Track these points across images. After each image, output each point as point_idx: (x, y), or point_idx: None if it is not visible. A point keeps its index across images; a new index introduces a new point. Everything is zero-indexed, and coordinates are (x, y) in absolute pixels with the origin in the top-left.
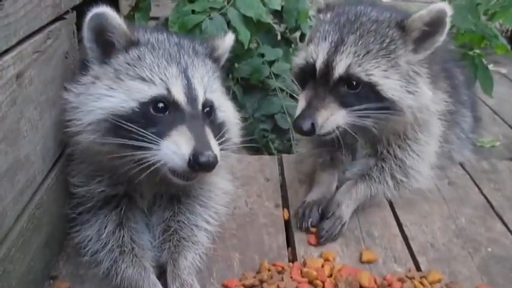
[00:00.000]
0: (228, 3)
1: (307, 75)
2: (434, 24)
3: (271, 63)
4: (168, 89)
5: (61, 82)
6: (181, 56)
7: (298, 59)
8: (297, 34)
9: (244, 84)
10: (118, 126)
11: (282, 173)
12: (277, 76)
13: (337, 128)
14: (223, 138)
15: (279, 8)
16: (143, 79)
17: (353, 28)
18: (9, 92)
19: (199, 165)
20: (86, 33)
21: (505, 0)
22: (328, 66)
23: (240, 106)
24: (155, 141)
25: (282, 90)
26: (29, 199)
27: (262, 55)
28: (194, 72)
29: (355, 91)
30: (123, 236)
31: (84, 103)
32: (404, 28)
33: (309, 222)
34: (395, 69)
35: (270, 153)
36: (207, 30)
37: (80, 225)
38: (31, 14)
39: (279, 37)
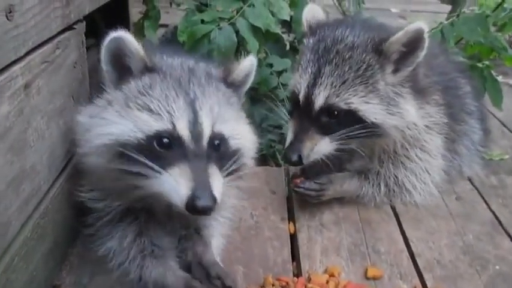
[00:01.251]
0: (237, 13)
1: (295, 103)
2: (413, 43)
3: (279, 73)
4: (173, 124)
5: (69, 92)
6: (192, 84)
7: (291, 84)
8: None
9: (253, 94)
10: (124, 153)
11: (288, 186)
12: (285, 86)
13: (325, 155)
14: (236, 166)
15: (288, 18)
16: (151, 110)
17: (329, 58)
18: (17, 102)
19: (197, 210)
20: (103, 56)
21: None
22: (309, 99)
23: (247, 116)
24: (157, 173)
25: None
26: (33, 208)
27: (271, 65)
28: (203, 103)
29: (337, 119)
30: (144, 241)
31: (95, 126)
32: (382, 52)
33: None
34: (375, 94)
35: (277, 164)
36: (215, 40)
37: (102, 238)
38: (41, 25)
39: (287, 47)
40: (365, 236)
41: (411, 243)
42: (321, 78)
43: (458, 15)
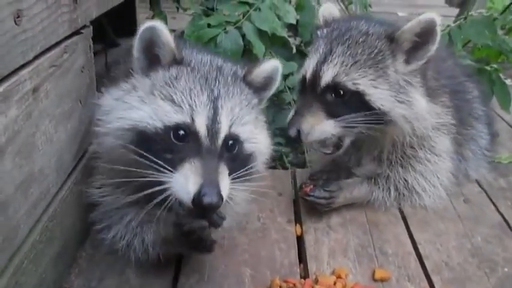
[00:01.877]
0: (243, 17)
1: (302, 86)
2: (425, 34)
3: (285, 76)
4: (192, 118)
5: (77, 96)
6: (218, 82)
7: (298, 74)
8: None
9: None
10: (141, 140)
11: (295, 188)
12: (291, 89)
13: (329, 137)
14: (248, 170)
15: (294, 22)
16: (173, 101)
17: (342, 40)
18: (25, 106)
19: (202, 206)
20: (136, 43)
21: None
22: (316, 75)
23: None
24: (169, 171)
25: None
26: (42, 211)
27: None
28: (225, 102)
29: (342, 99)
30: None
31: (117, 108)
32: (393, 39)
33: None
34: (384, 79)
35: (284, 167)
36: (222, 44)
37: (109, 224)
38: (48, 29)
39: (294, 50)
40: (372, 238)
41: (419, 246)
42: (332, 55)
43: (465, 18)
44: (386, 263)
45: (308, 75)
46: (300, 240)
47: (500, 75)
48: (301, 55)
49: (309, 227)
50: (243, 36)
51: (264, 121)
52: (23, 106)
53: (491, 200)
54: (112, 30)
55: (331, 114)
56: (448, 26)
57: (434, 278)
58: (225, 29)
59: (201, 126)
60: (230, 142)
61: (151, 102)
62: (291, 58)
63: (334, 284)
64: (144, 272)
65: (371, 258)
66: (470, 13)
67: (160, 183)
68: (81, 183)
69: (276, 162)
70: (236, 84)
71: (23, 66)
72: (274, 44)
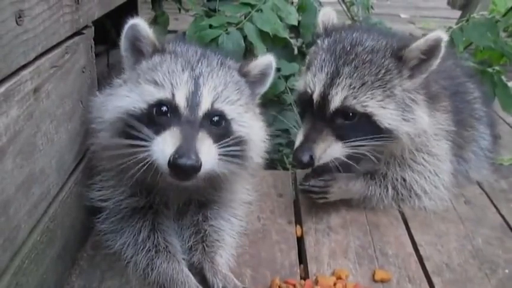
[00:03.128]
0: (245, 18)
1: (306, 105)
2: (431, 51)
3: (287, 77)
4: (173, 93)
5: (78, 96)
6: (200, 64)
7: (299, 85)
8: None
9: (260, 99)
10: (130, 126)
11: (295, 189)
12: (292, 91)
13: (335, 159)
14: (239, 153)
15: (296, 23)
16: (156, 83)
17: (348, 59)
18: (26, 106)
19: (178, 168)
20: (122, 43)
21: None
22: (325, 98)
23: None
24: (149, 138)
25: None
26: (43, 212)
27: (279, 69)
28: (208, 80)
29: (352, 122)
30: (158, 237)
31: (109, 102)
32: (401, 58)
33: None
34: (391, 99)
35: (284, 168)
36: (223, 45)
37: (114, 234)
38: (50, 30)
39: (295, 52)
40: (373, 239)
41: (420, 247)
42: (339, 78)
43: (467, 20)
44: (387, 264)
45: (315, 97)
46: (300, 241)
47: (502, 77)
48: (303, 56)
49: (310, 228)
50: (245, 37)
51: (259, 114)
52: (24, 106)
53: (492, 201)
54: (114, 31)
55: (340, 137)
56: (450, 28)
57: (434, 279)
58: (226, 30)
59: (180, 99)
60: (215, 118)
61: (137, 88)
62: (292, 59)
63: (334, 285)
64: None
65: (371, 259)
66: (472, 15)
67: (142, 148)
68: (82, 185)
69: (277, 163)
70: (223, 69)
71: (24, 67)
72: (276, 45)
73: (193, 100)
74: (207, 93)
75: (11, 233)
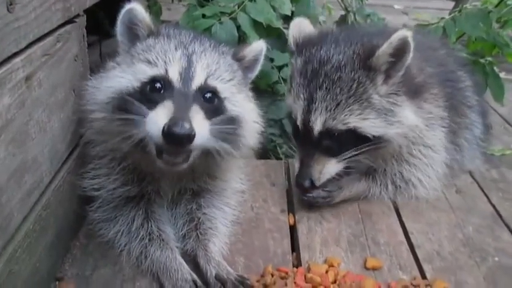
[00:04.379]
0: (238, 8)
1: (295, 128)
2: (399, 51)
3: (280, 68)
4: (166, 70)
5: (70, 85)
6: (193, 44)
7: (287, 102)
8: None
9: (253, 89)
10: (123, 104)
11: (288, 178)
12: (286, 81)
13: (336, 174)
14: (232, 132)
15: (289, 13)
16: (149, 62)
17: (319, 82)
18: (18, 95)
19: (172, 136)
20: (118, 27)
21: None
22: (307, 125)
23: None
24: (143, 113)
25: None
26: (36, 200)
27: (272, 60)
28: (201, 58)
29: (338, 139)
30: (151, 225)
31: (102, 83)
32: (370, 67)
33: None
34: (370, 109)
35: (278, 158)
36: (216, 35)
37: (108, 222)
38: (41, 18)
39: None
40: (365, 227)
41: (411, 235)
42: (315, 104)
43: (460, 11)
44: (379, 252)
45: (299, 125)
46: (292, 229)
47: (495, 68)
48: None
49: (302, 216)
50: (238, 27)
51: (252, 97)
52: (16, 94)
53: (483, 191)
54: (107, 21)
55: (332, 154)
56: (443, 18)
57: (425, 267)
58: (220, 19)
59: (174, 74)
60: (208, 94)
61: (130, 69)
62: (285, 49)
63: (326, 272)
64: None
65: (363, 247)
66: (465, 6)
67: (137, 123)
68: (75, 174)
69: (270, 152)
70: (216, 50)
71: (15, 54)
72: (269, 35)
73: (187, 74)
74: (200, 70)
75: (3, 222)
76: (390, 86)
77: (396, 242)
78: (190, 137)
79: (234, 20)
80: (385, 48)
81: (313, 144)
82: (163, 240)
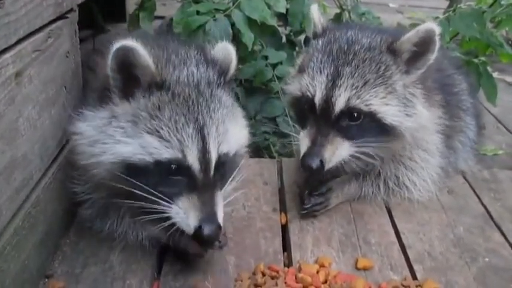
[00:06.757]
0: (233, 5)
1: (306, 109)
2: (424, 44)
3: (274, 65)
4: (183, 153)
5: (61, 81)
6: (200, 107)
7: (293, 89)
8: (302, 37)
9: (247, 86)
10: (132, 171)
11: (280, 177)
12: (280, 79)
13: (343, 160)
14: (234, 167)
15: (284, 11)
16: (160, 136)
17: (347, 59)
18: (8, 91)
19: (203, 238)
20: (110, 62)
21: (510, 8)
22: (328, 101)
23: (242, 108)
24: (166, 201)
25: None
26: (25, 198)
27: (266, 57)
28: (210, 127)
29: (357, 122)
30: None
31: (101, 141)
32: (395, 52)
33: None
34: (393, 95)
35: (271, 156)
36: (210, 32)
37: (101, 217)
38: (32, 13)
39: (283, 40)
40: (356, 227)
41: (402, 235)
42: (341, 79)
43: (454, 11)
44: (370, 252)
45: (318, 101)
46: (284, 228)
47: (488, 68)
48: (291, 44)
49: (294, 215)
50: (233, 24)
51: (237, 107)
52: (6, 91)
53: (474, 191)
54: (101, 16)
55: (346, 137)
56: (437, 17)
57: (416, 267)
58: (214, 16)
59: (193, 161)
60: (220, 162)
61: (136, 136)
62: (280, 47)
63: (317, 272)
64: (128, 259)
65: (354, 247)
66: (459, 6)
67: (158, 211)
68: (65, 178)
69: (263, 151)
70: (214, 96)
71: (5, 50)
72: (264, 33)
73: (204, 159)
74: (213, 145)
75: None
76: (410, 79)
77: (387, 242)
78: (218, 236)
79: (229, 17)
80: (411, 35)
81: (330, 123)
82: (149, 223)
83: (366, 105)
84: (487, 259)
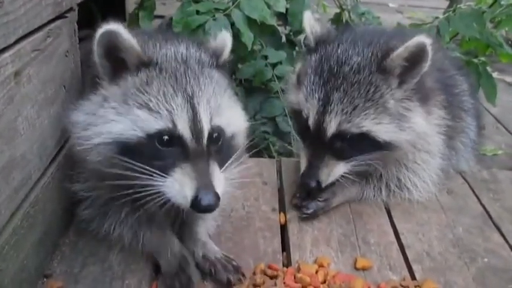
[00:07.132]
0: (232, 5)
1: (303, 125)
2: (416, 57)
3: (274, 65)
4: (173, 122)
5: (60, 81)
6: (188, 79)
7: (293, 99)
8: (301, 37)
9: (247, 86)
10: (125, 149)
11: (280, 177)
12: (280, 78)
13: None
14: (232, 150)
15: (284, 11)
16: (150, 109)
17: (336, 83)
18: (7, 90)
19: (200, 208)
20: (95, 49)
21: (510, 8)
22: (320, 125)
23: (241, 107)
24: (160, 176)
25: (284, 92)
26: (24, 197)
27: (266, 57)
28: (201, 98)
29: (349, 143)
30: (140, 211)
31: (93, 124)
32: (385, 70)
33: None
34: (385, 113)
35: (270, 156)
36: (210, 31)
37: (99, 218)
38: (31, 12)
39: (283, 39)
40: (355, 227)
41: (401, 235)
42: (331, 105)
43: (454, 11)
44: (369, 253)
45: (311, 125)
46: (283, 228)
47: (488, 68)
48: (291, 44)
49: (293, 215)
50: (232, 24)
51: (233, 94)
52: (5, 90)
53: (473, 191)
54: (101, 15)
55: (341, 157)
56: (436, 18)
57: (415, 267)
58: (214, 16)
59: (184, 129)
60: (215, 135)
61: (127, 113)
62: (280, 47)
63: (316, 272)
64: (127, 259)
65: (353, 247)
66: (459, 6)
67: (153, 187)
68: (64, 171)
69: (263, 151)
70: (204, 73)
71: (4, 50)
72: (264, 32)
73: (195, 127)
74: (204, 114)
75: None
76: (404, 91)
77: (387, 242)
78: (216, 205)
79: (228, 16)
80: (400, 52)
81: (324, 145)
82: (152, 227)
83: (358, 127)
84: (486, 259)
